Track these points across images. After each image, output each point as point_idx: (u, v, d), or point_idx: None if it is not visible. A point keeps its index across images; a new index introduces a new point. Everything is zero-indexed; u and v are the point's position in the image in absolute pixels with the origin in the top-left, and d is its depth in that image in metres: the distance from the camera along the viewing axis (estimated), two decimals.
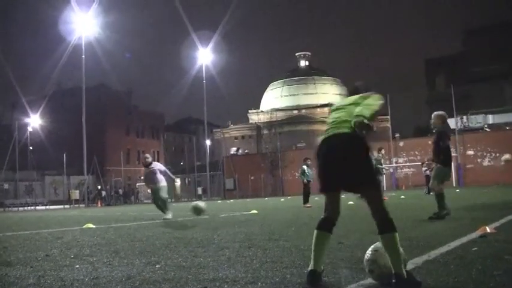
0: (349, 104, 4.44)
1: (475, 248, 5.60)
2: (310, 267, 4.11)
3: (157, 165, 16.57)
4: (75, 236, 10.29)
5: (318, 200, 20.97)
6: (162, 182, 16.03)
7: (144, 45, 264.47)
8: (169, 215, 15.27)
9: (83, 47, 54.45)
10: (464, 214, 11.13)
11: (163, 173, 16.19)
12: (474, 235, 6.88)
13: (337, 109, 4.50)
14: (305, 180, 21.75)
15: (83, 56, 54.34)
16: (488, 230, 7.07)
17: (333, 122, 4.36)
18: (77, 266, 5.74)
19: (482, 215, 10.89)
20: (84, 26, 54.52)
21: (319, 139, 4.34)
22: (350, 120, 4.18)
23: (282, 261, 5.42)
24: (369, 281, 4.05)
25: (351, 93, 4.75)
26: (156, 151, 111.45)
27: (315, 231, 4.19)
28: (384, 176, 24.05)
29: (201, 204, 15.03)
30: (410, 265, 4.69)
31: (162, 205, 15.82)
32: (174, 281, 4.46)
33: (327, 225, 4.21)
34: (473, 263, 4.63)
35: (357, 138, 4.13)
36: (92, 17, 55.05)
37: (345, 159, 4.07)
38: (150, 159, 16.53)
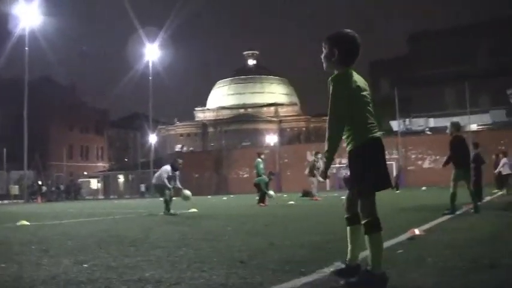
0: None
1: (401, 251, 5.73)
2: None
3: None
4: (6, 233, 10.05)
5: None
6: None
7: (91, 39, 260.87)
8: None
9: (27, 39, 52.80)
10: (398, 216, 11.31)
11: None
12: (403, 237, 7.02)
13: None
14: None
15: (26, 48, 52.71)
16: (417, 232, 7.23)
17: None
18: (3, 265, 5.61)
19: (416, 216, 11.10)
20: (27, 16, 52.86)
21: (372, 135, 4.10)
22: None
23: (211, 261, 5.43)
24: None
25: None
26: (100, 147, 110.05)
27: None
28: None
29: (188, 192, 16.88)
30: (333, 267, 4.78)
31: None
32: (98, 282, 4.42)
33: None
34: (397, 265, 4.73)
35: None
36: (35, 7, 53.39)
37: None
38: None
